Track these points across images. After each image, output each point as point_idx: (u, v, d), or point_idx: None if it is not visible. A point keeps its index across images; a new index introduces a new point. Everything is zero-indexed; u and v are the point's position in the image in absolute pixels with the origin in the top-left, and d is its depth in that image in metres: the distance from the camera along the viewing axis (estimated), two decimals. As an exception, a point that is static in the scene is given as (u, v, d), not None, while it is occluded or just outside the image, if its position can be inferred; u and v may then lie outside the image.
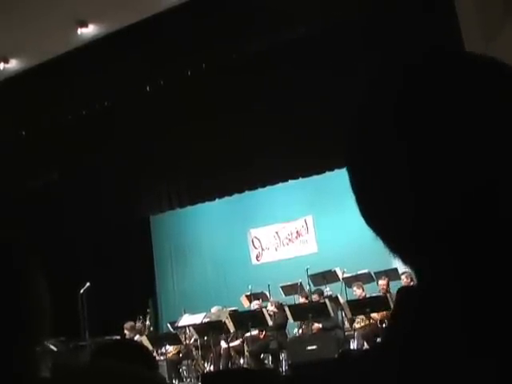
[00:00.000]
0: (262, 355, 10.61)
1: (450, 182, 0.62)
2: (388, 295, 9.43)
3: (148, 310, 12.65)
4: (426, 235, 0.64)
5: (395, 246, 0.68)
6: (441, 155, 0.63)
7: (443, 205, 0.62)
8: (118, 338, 9.87)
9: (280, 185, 12.29)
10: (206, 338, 11.02)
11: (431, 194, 0.63)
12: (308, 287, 11.23)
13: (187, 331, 11.44)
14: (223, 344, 10.84)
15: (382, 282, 10.29)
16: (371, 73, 0.72)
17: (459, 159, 0.62)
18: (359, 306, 9.70)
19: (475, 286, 0.61)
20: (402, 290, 0.68)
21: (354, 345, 9.93)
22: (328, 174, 11.59)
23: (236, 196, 12.80)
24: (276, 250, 14.17)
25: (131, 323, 11.68)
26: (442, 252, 0.63)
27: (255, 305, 11.10)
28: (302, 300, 11.00)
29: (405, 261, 0.69)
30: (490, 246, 0.61)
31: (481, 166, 0.62)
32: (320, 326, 9.98)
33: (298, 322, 10.66)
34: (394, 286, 10.02)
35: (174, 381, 11.04)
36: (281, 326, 10.58)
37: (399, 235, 0.67)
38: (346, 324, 10.30)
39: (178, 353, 11.37)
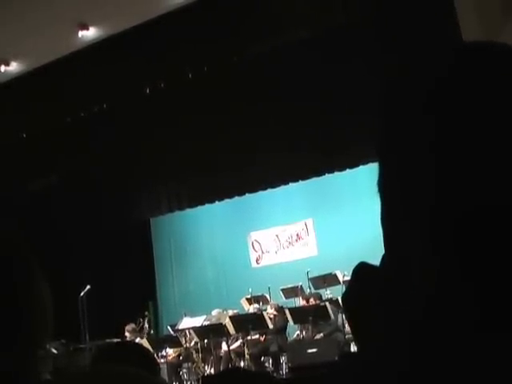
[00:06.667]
0: (262, 358, 10.59)
1: (473, 180, 0.61)
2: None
3: (146, 313, 12.62)
4: (443, 234, 0.63)
5: (406, 246, 0.67)
6: (467, 155, 0.62)
7: (461, 202, 0.61)
8: (119, 340, 9.85)
9: (280, 187, 12.28)
10: (206, 340, 11.00)
11: (452, 192, 0.62)
12: (308, 290, 11.22)
13: (187, 334, 11.41)
14: (224, 347, 10.83)
15: None
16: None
17: (485, 159, 0.61)
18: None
19: (484, 286, 0.60)
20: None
21: (354, 348, 9.92)
22: (328, 176, 11.59)
23: (236, 199, 12.79)
24: (276, 252, 14.15)
25: (132, 325, 11.67)
26: (451, 251, 0.62)
27: (254, 308, 11.09)
28: (302, 302, 10.98)
29: (406, 263, 0.68)
30: (502, 246, 0.60)
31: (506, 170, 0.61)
32: (322, 334, 9.92)
33: (299, 327, 10.62)
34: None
35: (174, 384, 11.04)
36: (281, 328, 10.57)
37: (417, 234, 0.65)
38: (347, 327, 10.28)
39: (179, 356, 11.35)
